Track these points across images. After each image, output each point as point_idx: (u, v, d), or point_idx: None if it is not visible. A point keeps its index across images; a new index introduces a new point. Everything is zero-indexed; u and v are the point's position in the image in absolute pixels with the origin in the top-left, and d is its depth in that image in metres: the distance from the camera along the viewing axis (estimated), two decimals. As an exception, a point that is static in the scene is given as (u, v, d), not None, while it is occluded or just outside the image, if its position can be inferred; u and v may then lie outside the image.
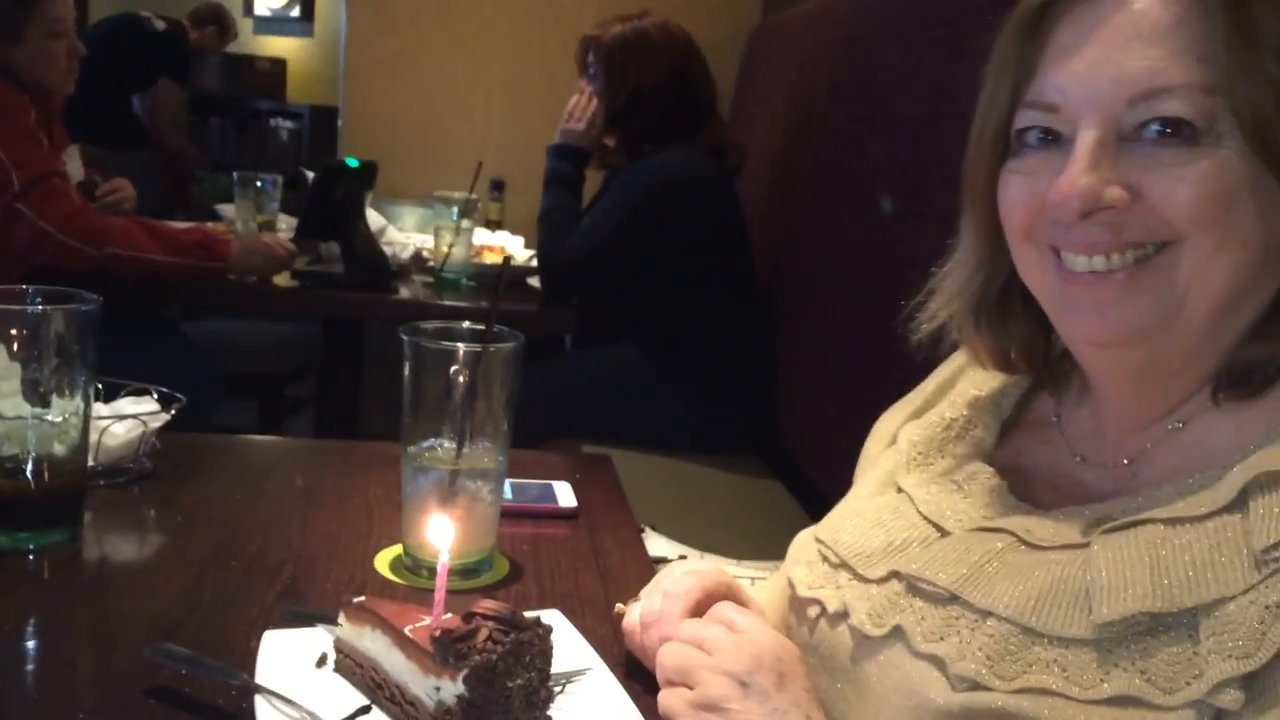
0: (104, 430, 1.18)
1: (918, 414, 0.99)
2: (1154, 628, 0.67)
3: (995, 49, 0.81)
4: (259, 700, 0.78)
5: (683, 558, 1.46)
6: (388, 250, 2.73)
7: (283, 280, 2.52)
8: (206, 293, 2.59)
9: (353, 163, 2.52)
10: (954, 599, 0.75)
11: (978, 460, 0.89)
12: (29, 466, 1.02)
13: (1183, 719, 0.63)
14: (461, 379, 1.02)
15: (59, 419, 1.03)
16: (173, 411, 1.26)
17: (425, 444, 1.05)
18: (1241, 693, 0.62)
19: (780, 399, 2.57)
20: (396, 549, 1.09)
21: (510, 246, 3.05)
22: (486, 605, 0.79)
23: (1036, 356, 0.89)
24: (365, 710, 0.80)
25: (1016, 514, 0.81)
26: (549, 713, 0.80)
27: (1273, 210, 0.72)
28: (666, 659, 0.82)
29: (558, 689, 0.83)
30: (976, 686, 0.70)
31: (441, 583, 0.79)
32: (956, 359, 0.99)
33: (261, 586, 1.00)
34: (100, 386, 1.28)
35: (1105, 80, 0.73)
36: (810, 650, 0.86)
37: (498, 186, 3.55)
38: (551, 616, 0.94)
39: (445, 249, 2.68)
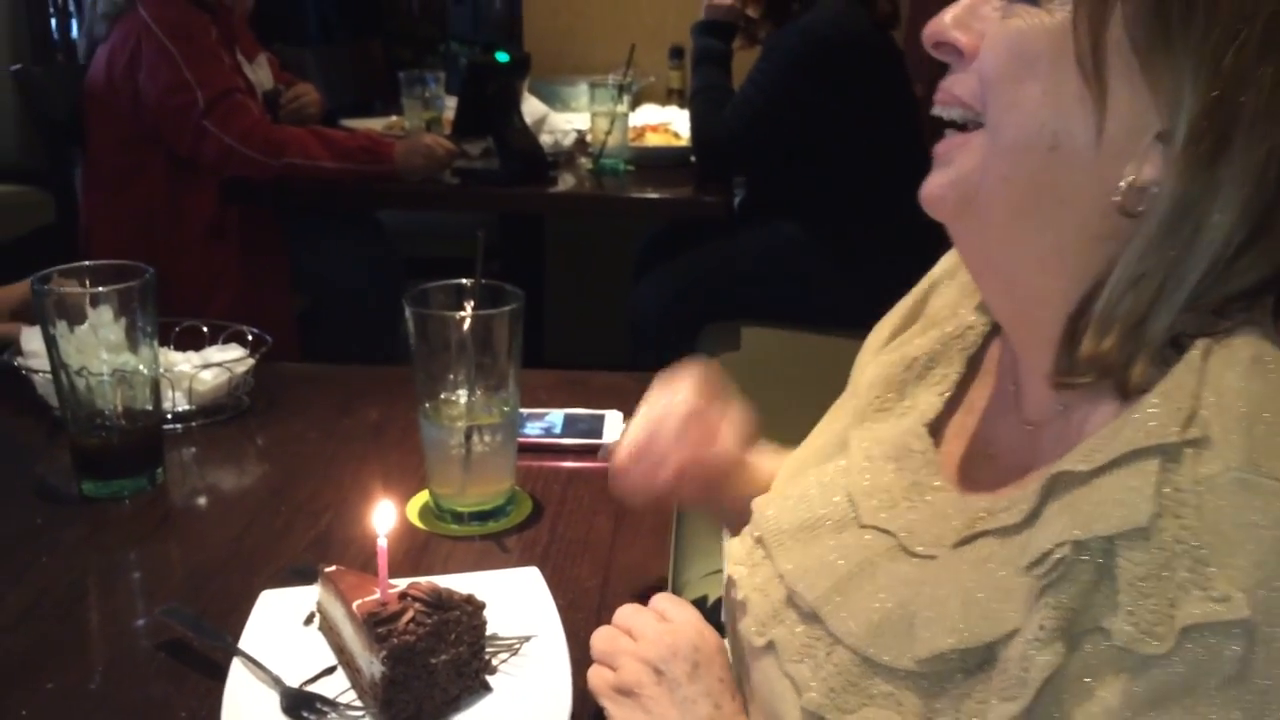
0: (193, 379, 1.32)
1: (897, 331, 0.93)
2: (972, 665, 0.63)
3: None
4: (235, 661, 0.89)
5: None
6: (549, 139, 2.78)
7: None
8: (373, 196, 2.73)
9: (503, 57, 2.57)
10: (816, 617, 0.73)
11: (923, 417, 0.83)
12: (109, 421, 1.16)
13: None
14: (461, 344, 1.07)
15: (139, 371, 1.16)
16: (257, 356, 1.38)
17: (438, 399, 1.11)
18: None
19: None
20: (426, 494, 1.17)
21: (676, 123, 3.03)
22: (419, 586, 0.86)
23: None
24: (330, 671, 0.89)
25: (920, 500, 0.77)
26: (486, 679, 0.87)
27: (1066, 107, 0.64)
28: (596, 642, 0.87)
29: (504, 656, 0.90)
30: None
31: (383, 564, 0.87)
32: (940, 264, 0.92)
33: (300, 533, 1.11)
34: (206, 329, 1.44)
35: None
36: (733, 632, 0.86)
37: (677, 54, 3.50)
38: (527, 575, 0.99)
39: (603, 135, 2.71)
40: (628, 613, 0.88)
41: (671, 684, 0.81)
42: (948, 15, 0.71)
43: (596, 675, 0.85)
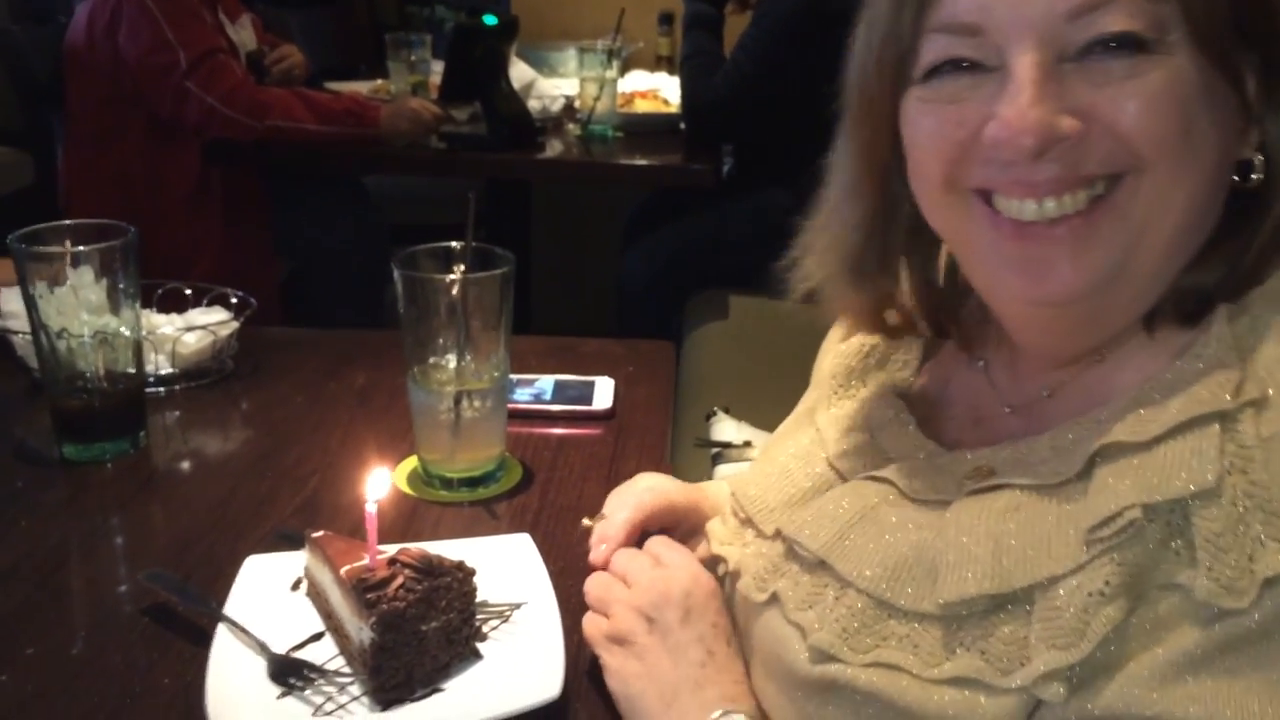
0: (176, 341, 1.29)
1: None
2: (994, 606, 0.64)
3: None
4: (220, 627, 0.87)
5: (748, 444, 1.47)
6: (537, 104, 2.74)
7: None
8: (358, 161, 2.69)
9: (490, 21, 2.52)
10: (822, 564, 0.73)
11: (894, 392, 0.84)
12: (91, 384, 1.14)
13: (1015, 703, 0.61)
14: (452, 308, 1.05)
15: (121, 333, 1.13)
16: (241, 319, 1.36)
17: (428, 364, 1.09)
18: (1064, 686, 0.59)
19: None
20: (415, 460, 1.16)
21: (665, 89, 3.00)
22: (409, 552, 0.84)
23: (934, 308, 0.84)
24: (317, 638, 0.88)
25: (910, 458, 0.77)
26: (477, 646, 0.86)
27: (1226, 124, 0.65)
28: (591, 589, 0.87)
29: (495, 623, 0.88)
30: (830, 659, 0.69)
31: (372, 529, 0.85)
32: None
33: (286, 498, 1.10)
34: (189, 292, 1.41)
35: None
36: (727, 604, 0.86)
37: (666, 20, 3.46)
38: (518, 542, 0.98)
39: (591, 101, 2.68)
40: (623, 558, 0.87)
41: (663, 631, 0.80)
42: (1033, 112, 0.63)
43: (591, 623, 0.84)
